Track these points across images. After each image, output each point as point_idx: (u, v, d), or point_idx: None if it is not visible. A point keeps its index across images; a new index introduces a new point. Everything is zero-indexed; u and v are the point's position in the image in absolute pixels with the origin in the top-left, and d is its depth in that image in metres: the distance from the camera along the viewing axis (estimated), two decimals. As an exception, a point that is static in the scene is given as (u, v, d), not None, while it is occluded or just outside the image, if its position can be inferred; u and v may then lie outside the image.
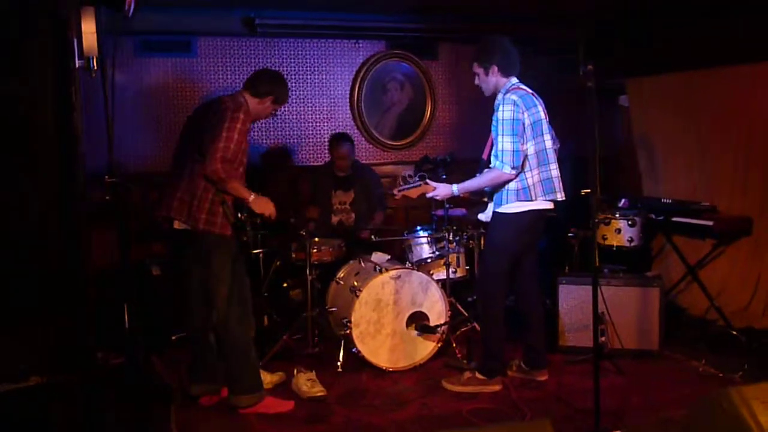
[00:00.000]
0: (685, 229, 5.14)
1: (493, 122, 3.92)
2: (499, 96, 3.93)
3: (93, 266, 2.57)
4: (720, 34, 5.18)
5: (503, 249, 4.00)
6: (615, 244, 4.94)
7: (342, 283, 4.66)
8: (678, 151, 5.66)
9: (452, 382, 4.10)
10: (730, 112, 5.19)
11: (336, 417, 3.76)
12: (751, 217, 5.01)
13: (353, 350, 4.33)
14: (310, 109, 5.96)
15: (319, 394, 3.95)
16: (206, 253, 3.66)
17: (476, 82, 4.06)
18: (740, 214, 5.07)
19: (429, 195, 4.10)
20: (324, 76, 5.97)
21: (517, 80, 3.99)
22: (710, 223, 4.94)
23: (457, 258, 4.78)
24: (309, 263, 4.58)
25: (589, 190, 3.30)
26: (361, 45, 6.04)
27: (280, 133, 5.88)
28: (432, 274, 4.66)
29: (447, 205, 4.59)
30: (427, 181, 4.09)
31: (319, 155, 5.96)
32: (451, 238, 4.64)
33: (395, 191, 4.12)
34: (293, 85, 5.73)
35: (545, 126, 3.95)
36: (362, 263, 4.66)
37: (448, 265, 4.60)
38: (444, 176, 4.56)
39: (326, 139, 5.64)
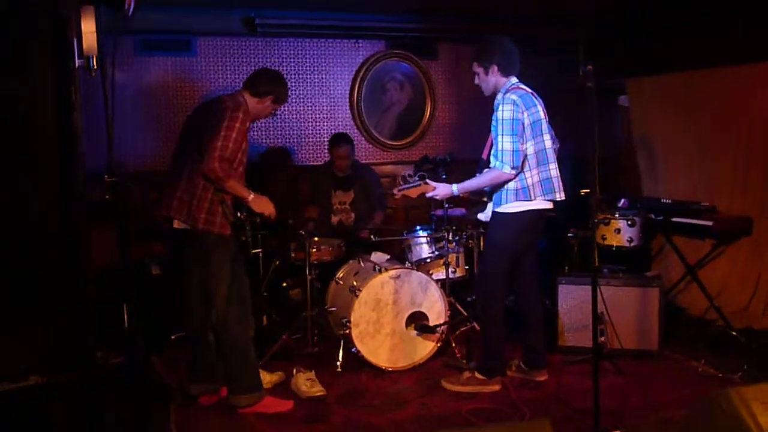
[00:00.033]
0: (685, 229, 5.14)
1: (493, 122, 3.92)
2: (499, 96, 3.93)
3: (93, 266, 2.58)
4: (720, 34, 5.18)
5: (503, 249, 4.00)
6: (614, 244, 4.93)
7: (341, 282, 4.66)
8: (678, 151, 5.66)
9: (452, 382, 4.10)
10: (730, 112, 5.19)
11: (335, 417, 3.76)
12: (751, 217, 5.02)
13: (353, 350, 4.33)
14: (309, 108, 5.96)
15: (318, 393, 3.95)
16: (205, 252, 3.66)
17: (476, 81, 4.05)
18: (740, 214, 5.07)
19: (429, 195, 4.10)
20: (324, 76, 5.97)
21: (517, 80, 3.99)
22: (710, 223, 4.93)
23: (457, 258, 4.77)
24: (308, 263, 4.58)
25: (588, 190, 3.31)
26: (360, 45, 6.04)
27: (279, 132, 5.88)
28: (431, 273, 4.66)
29: (446, 205, 4.59)
30: (427, 180, 4.09)
31: (318, 155, 5.96)
32: (450, 238, 4.64)
33: (395, 191, 4.12)
34: (293, 84, 5.74)
35: (545, 126, 3.95)
36: (362, 263, 4.66)
37: (447, 265, 4.60)
38: (444, 176, 4.56)
39: (326, 139, 5.64)
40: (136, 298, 3.76)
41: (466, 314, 4.80)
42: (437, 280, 4.54)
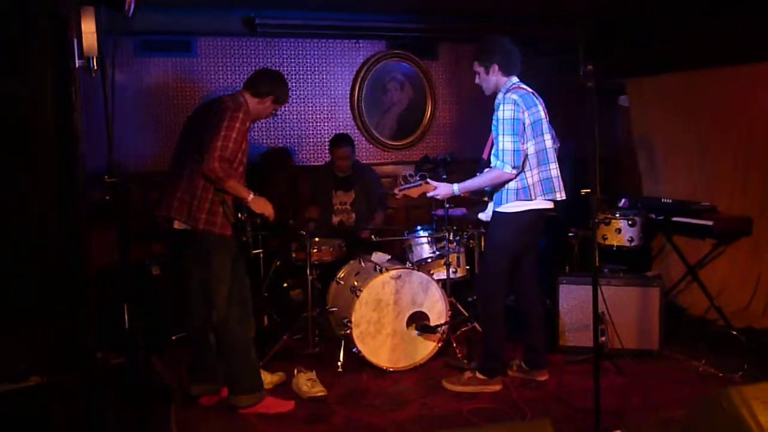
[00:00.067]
0: (685, 229, 5.14)
1: (494, 122, 3.92)
2: (500, 95, 3.93)
3: (93, 266, 2.57)
4: (720, 34, 5.18)
5: (503, 248, 4.00)
6: (615, 244, 4.94)
7: (342, 283, 4.66)
8: (678, 151, 5.66)
9: (452, 382, 4.10)
10: (730, 112, 5.19)
11: (336, 417, 3.76)
12: (751, 217, 5.02)
13: (353, 350, 4.33)
14: (310, 109, 5.96)
15: (319, 394, 3.95)
16: (206, 253, 3.66)
17: (477, 81, 4.06)
18: (740, 214, 5.07)
19: (430, 194, 4.10)
20: (324, 76, 5.97)
21: (517, 79, 3.99)
22: (710, 223, 4.94)
23: (458, 258, 4.77)
24: (309, 263, 4.58)
25: (589, 190, 3.31)
26: (361, 45, 6.04)
27: (280, 133, 5.88)
28: (432, 273, 4.66)
29: (447, 205, 4.59)
30: (428, 180, 4.09)
31: (319, 155, 5.96)
32: (451, 238, 4.64)
33: (396, 191, 4.12)
34: (293, 85, 5.74)
35: (545, 125, 3.95)
36: (362, 263, 4.66)
37: (448, 265, 4.60)
38: (444, 176, 4.56)
39: (326, 139, 5.64)
40: (136, 298, 3.76)
41: (467, 314, 4.80)
42: (438, 280, 4.53)
